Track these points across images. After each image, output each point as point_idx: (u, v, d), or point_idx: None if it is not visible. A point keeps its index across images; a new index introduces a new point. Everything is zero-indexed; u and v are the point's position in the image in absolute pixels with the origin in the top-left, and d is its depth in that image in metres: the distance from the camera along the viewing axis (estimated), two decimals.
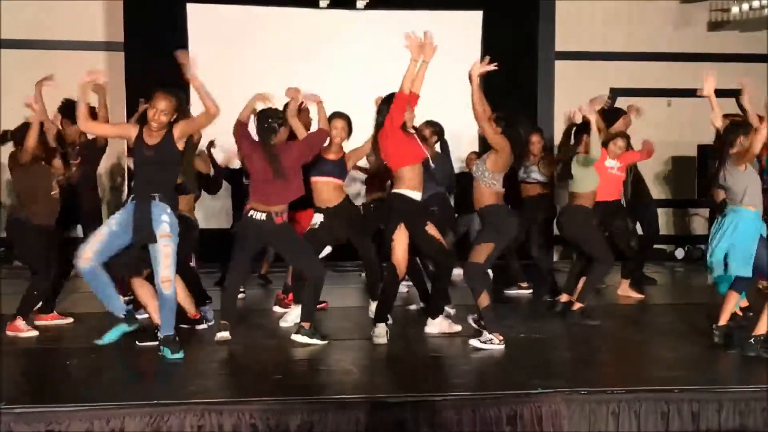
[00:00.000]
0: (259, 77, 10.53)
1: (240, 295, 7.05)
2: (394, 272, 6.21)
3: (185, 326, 6.46)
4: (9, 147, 6.71)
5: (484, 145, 6.35)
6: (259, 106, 6.29)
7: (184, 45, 10.47)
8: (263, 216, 6.09)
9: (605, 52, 11.51)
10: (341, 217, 6.78)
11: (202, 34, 10.61)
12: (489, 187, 6.05)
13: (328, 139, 6.69)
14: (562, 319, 6.93)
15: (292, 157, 6.15)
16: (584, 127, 7.23)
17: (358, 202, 8.15)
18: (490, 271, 8.37)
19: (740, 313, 6.57)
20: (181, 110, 5.74)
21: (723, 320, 6.06)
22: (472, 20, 11.04)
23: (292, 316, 6.69)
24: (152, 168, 5.66)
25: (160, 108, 5.61)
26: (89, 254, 5.57)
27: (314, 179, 6.75)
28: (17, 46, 10.43)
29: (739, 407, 4.86)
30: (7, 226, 6.70)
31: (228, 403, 4.67)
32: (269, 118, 6.18)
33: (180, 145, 5.71)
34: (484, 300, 6.04)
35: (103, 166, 9.11)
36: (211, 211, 9.46)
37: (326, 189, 6.76)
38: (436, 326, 6.41)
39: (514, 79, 10.73)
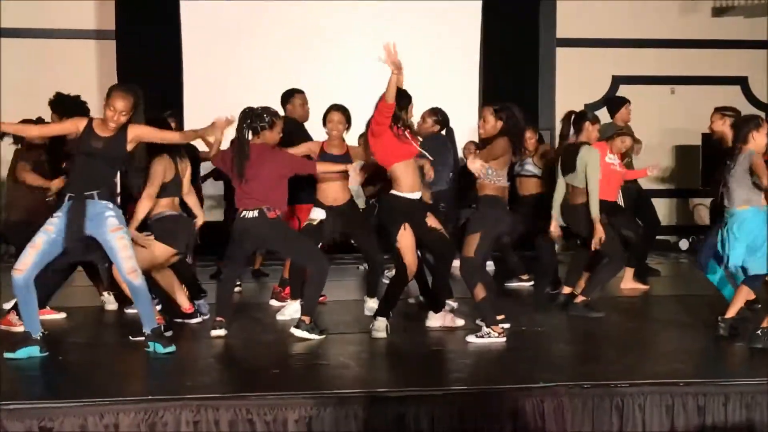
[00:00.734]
0: (255, 69, 10.59)
1: (236, 289, 7.04)
2: (404, 273, 6.16)
3: (179, 320, 6.47)
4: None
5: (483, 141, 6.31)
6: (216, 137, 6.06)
7: (176, 33, 10.49)
8: (255, 213, 6.05)
9: (607, 39, 11.50)
10: (348, 218, 6.74)
11: (195, 23, 10.60)
12: (492, 183, 6.06)
13: (327, 134, 6.71)
14: (565, 312, 6.93)
15: (276, 164, 6.07)
16: (584, 114, 7.21)
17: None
18: (491, 263, 8.39)
19: (745, 305, 6.58)
20: (138, 107, 5.53)
21: (731, 313, 6.05)
22: (473, 7, 11.01)
23: (289, 309, 6.69)
24: (97, 162, 5.46)
25: (119, 109, 5.41)
26: (24, 266, 5.40)
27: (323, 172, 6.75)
28: (8, 35, 10.41)
29: (745, 400, 4.85)
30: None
31: (225, 398, 4.67)
32: (251, 119, 6.09)
33: (129, 147, 5.54)
34: (480, 293, 6.04)
35: None
36: (205, 204, 9.44)
37: (333, 186, 6.72)
38: (438, 320, 6.40)
39: (515, 67, 10.73)
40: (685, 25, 11.64)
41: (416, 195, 6.11)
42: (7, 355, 5.47)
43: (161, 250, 6.28)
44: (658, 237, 9.98)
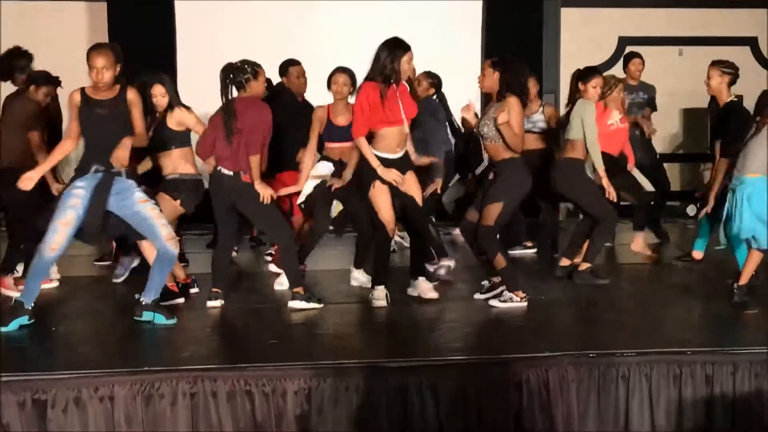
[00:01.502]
0: (251, 24, 10.52)
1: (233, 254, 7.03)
2: (384, 230, 6.14)
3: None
4: None
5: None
6: None
7: None
8: (230, 173, 6.00)
9: None
10: (354, 185, 6.68)
11: None
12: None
13: (333, 97, 6.69)
14: (570, 280, 6.91)
15: (259, 120, 5.99)
16: (589, 71, 7.08)
17: None
18: None
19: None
20: (119, 64, 5.48)
21: (744, 279, 6.05)
22: None
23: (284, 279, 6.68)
24: (108, 129, 5.44)
25: (100, 66, 5.39)
26: (58, 244, 5.41)
27: (328, 144, 6.74)
28: None
29: (754, 369, 4.86)
30: None
31: (222, 369, 4.67)
32: (233, 73, 6.03)
33: (131, 109, 5.52)
34: (501, 261, 6.06)
35: None
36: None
37: (341, 153, 6.68)
38: (414, 289, 6.32)
39: (519, 27, 10.64)
40: None
41: (392, 155, 6.06)
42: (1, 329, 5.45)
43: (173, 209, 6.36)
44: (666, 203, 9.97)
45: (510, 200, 6.07)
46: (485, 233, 6.06)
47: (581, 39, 11.20)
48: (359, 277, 6.82)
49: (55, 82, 7.05)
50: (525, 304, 6.05)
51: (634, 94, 8.93)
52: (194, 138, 6.37)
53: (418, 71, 7.24)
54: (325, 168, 6.70)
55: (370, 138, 6.09)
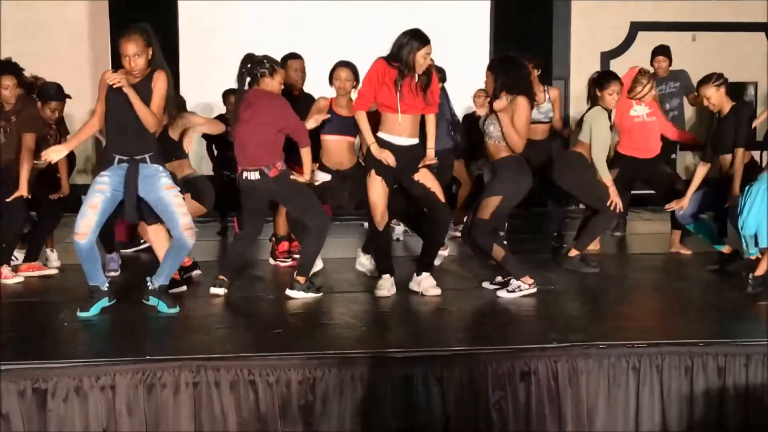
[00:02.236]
0: (255, 17, 10.53)
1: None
2: (376, 220, 6.13)
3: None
4: None
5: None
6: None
7: None
8: (256, 174, 6.02)
9: None
10: (354, 182, 6.63)
11: None
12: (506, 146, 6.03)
13: (335, 93, 6.69)
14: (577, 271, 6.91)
15: (273, 112, 6.00)
16: (606, 77, 7.05)
17: None
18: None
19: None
20: (153, 45, 5.41)
21: (760, 270, 6.04)
22: None
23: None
24: (130, 114, 5.38)
25: (131, 53, 5.33)
26: (87, 229, 5.43)
27: (325, 137, 6.67)
28: None
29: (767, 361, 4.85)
30: None
31: (225, 358, 4.67)
32: (251, 65, 6.05)
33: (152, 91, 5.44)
34: (499, 252, 6.06)
35: None
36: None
37: (339, 148, 6.68)
38: (416, 284, 6.26)
39: (528, 16, 10.63)
40: None
41: (397, 140, 6.00)
42: (80, 314, 5.53)
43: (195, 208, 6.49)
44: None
45: (508, 196, 6.05)
46: (479, 226, 6.05)
47: (592, 24, 11.17)
48: (365, 263, 6.81)
49: (63, 97, 7.04)
50: (534, 290, 6.05)
51: (664, 85, 8.87)
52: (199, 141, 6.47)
53: None
54: (323, 176, 6.69)
55: (378, 121, 6.08)
